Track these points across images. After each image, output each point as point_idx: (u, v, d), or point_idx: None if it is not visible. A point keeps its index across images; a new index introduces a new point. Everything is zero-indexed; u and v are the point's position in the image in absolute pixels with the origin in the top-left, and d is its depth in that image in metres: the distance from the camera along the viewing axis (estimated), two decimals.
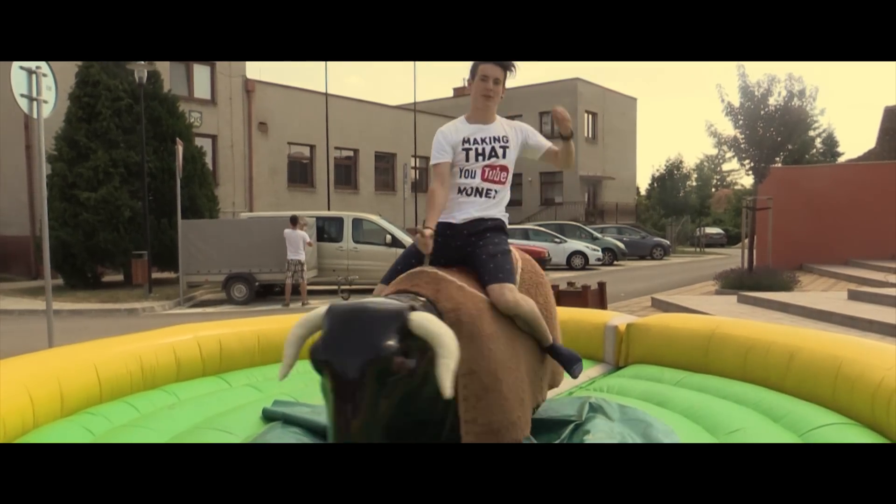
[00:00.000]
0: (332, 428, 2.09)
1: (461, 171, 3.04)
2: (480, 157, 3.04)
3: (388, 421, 2.15)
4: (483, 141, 3.05)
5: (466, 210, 3.02)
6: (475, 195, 3.03)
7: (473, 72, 3.05)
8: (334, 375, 2.09)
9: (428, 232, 2.80)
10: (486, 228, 3.03)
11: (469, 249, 2.98)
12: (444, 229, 2.97)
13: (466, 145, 3.04)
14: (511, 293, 2.82)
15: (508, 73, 3.05)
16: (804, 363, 3.48)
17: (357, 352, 2.10)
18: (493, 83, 3.01)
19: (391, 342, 2.12)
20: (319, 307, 2.39)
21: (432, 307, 2.56)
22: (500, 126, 3.11)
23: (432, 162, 3.04)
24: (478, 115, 3.09)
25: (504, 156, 3.07)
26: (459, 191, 3.03)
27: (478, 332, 2.60)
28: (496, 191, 3.06)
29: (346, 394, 2.07)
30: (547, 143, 3.23)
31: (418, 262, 2.96)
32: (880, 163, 18.07)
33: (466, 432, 2.55)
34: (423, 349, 2.21)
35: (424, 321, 2.22)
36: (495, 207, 3.08)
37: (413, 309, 2.28)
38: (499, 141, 3.07)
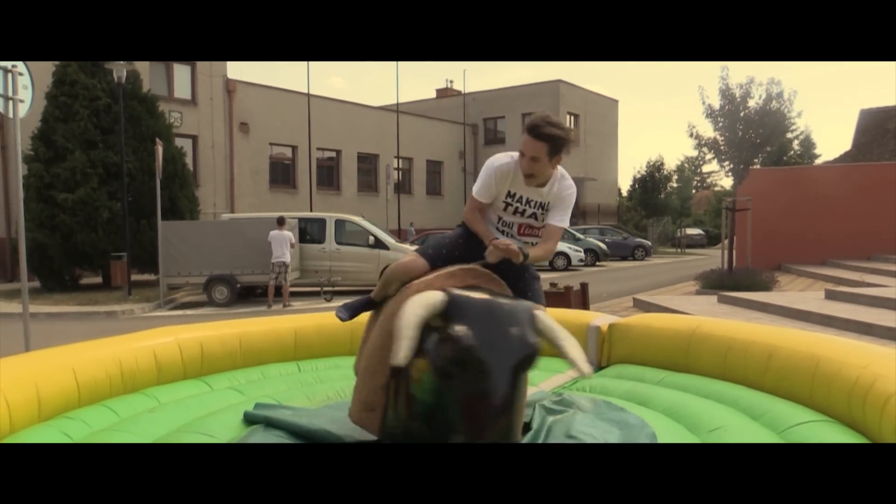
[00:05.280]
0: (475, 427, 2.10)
1: (499, 218, 2.96)
2: (519, 215, 2.94)
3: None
4: (528, 203, 2.91)
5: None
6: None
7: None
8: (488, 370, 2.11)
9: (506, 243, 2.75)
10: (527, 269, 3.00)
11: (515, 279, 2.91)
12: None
13: (509, 199, 2.91)
14: None
15: (552, 147, 2.71)
16: (782, 362, 3.52)
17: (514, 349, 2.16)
18: (529, 160, 2.75)
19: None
20: (432, 292, 2.32)
21: None
22: (549, 191, 2.89)
23: (476, 194, 2.89)
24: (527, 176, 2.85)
25: (540, 221, 2.96)
26: (498, 230, 2.97)
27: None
28: (533, 243, 2.99)
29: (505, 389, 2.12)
30: (551, 222, 2.92)
31: (461, 255, 2.93)
32: (856, 164, 18.37)
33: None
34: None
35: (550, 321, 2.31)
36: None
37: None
38: (542, 207, 2.93)
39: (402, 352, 2.15)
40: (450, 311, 2.23)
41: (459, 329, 2.14)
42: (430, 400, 2.32)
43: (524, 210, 2.93)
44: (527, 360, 2.17)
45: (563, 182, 2.92)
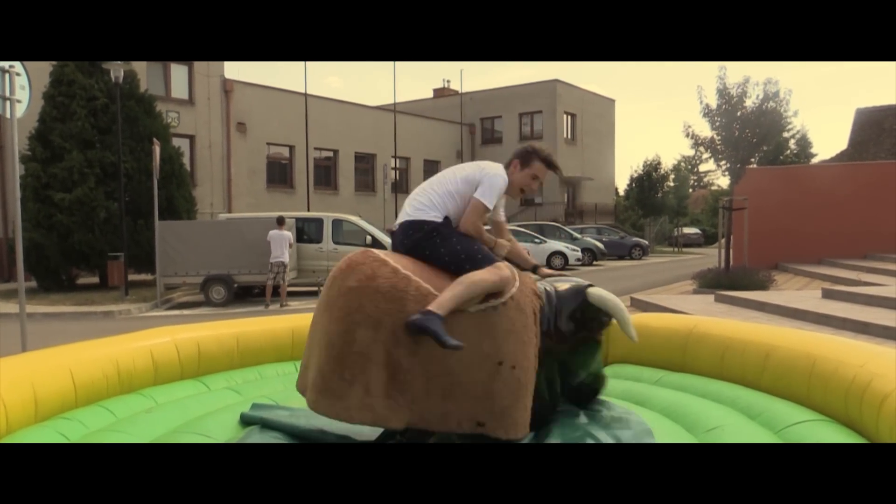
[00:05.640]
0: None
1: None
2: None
3: None
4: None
5: None
6: None
7: (528, 160, 3.16)
8: None
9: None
10: None
11: None
12: None
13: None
14: None
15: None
16: (779, 361, 3.53)
17: None
18: (539, 184, 3.21)
19: None
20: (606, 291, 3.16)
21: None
22: None
23: (491, 205, 3.03)
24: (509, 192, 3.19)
25: None
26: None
27: None
28: None
29: None
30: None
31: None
32: (853, 163, 18.40)
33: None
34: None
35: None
36: None
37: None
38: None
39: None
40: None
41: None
42: (592, 365, 3.29)
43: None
44: None
45: None
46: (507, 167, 3.15)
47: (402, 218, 3.06)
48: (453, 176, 3.08)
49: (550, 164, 3.19)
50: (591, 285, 3.21)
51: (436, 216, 2.98)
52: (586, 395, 3.34)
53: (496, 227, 3.32)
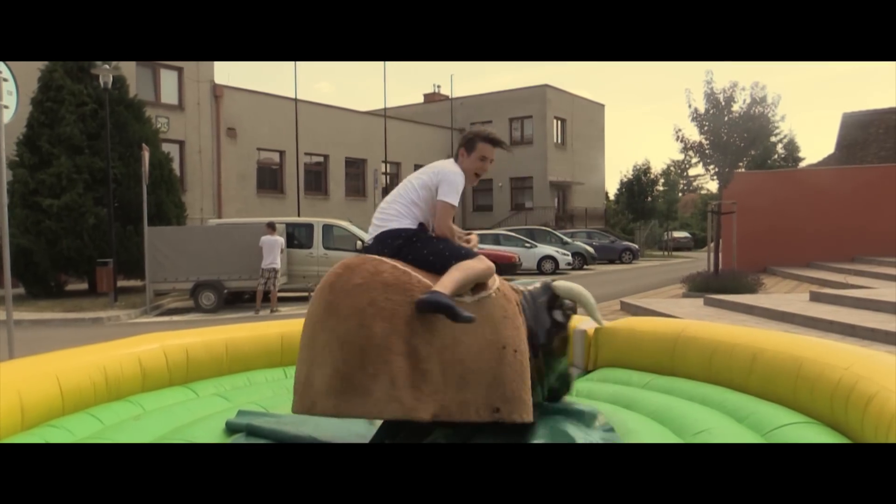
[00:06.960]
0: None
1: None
2: None
3: None
4: None
5: None
6: None
7: (472, 145, 3.15)
8: None
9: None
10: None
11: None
12: None
13: None
14: None
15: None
16: (766, 364, 3.55)
17: None
18: (489, 163, 3.20)
19: None
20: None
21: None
22: None
23: (455, 202, 3.06)
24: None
25: None
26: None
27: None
28: None
29: None
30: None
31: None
32: (839, 167, 18.57)
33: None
34: None
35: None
36: None
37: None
38: None
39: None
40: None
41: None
42: (559, 367, 3.36)
43: None
44: None
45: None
46: (455, 159, 3.19)
47: (374, 231, 3.13)
48: (411, 185, 3.13)
49: (494, 141, 3.19)
50: (554, 280, 3.46)
51: (409, 224, 3.06)
52: (553, 397, 3.40)
53: None
